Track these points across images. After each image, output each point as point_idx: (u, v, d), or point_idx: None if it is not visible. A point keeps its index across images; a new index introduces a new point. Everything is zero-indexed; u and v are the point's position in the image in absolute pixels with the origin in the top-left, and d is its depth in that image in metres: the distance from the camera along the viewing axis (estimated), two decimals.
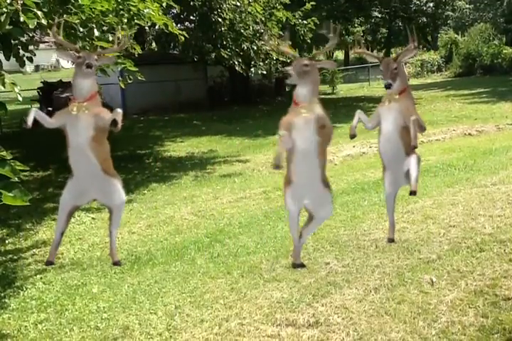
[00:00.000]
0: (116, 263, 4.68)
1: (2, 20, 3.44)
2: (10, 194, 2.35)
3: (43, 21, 3.81)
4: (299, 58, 3.76)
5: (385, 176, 4.04)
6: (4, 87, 3.43)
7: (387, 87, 3.83)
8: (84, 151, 3.91)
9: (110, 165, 4.24)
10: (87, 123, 3.91)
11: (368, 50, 4.73)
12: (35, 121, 3.40)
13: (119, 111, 3.66)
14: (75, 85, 4.00)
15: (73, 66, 3.94)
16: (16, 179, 2.45)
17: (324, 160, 3.90)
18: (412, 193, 3.64)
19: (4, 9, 3.43)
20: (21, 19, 3.62)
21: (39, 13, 3.73)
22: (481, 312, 3.50)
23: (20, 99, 3.73)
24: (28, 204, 2.44)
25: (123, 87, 6.09)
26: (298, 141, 3.69)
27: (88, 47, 4.67)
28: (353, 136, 3.83)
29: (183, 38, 6.39)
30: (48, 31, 4.08)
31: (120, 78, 6.34)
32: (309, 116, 3.62)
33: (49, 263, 4.63)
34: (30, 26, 3.68)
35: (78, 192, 4.20)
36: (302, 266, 3.77)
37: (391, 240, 3.97)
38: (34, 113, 3.47)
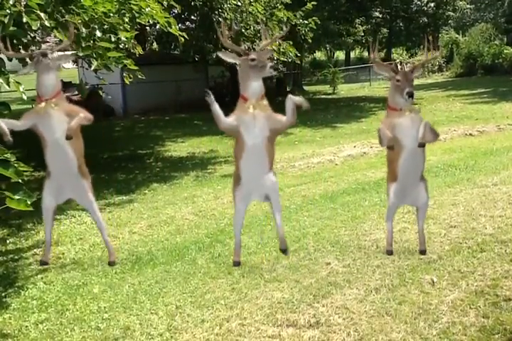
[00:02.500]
0: (110, 263, 4.73)
1: (6, 21, 3.45)
2: (15, 197, 2.35)
3: (46, 22, 3.82)
4: (259, 54, 3.80)
5: (392, 186, 4.09)
6: (9, 87, 3.44)
7: (411, 95, 3.83)
8: (63, 147, 3.87)
9: (84, 163, 4.22)
10: (60, 119, 3.87)
11: (369, 50, 4.75)
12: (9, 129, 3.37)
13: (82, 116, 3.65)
14: (39, 83, 3.92)
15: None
16: (20, 180, 2.46)
17: (272, 154, 4.01)
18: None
19: (7, 11, 3.44)
20: (24, 20, 3.63)
21: (42, 14, 3.74)
22: (482, 313, 3.50)
23: (25, 97, 3.73)
24: (31, 209, 2.44)
25: (127, 83, 6.08)
26: (247, 137, 3.80)
27: (90, 48, 4.67)
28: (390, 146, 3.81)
29: (182, 39, 6.39)
30: (55, 32, 4.09)
31: (125, 74, 6.34)
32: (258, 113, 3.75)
33: (43, 263, 4.63)
34: (34, 27, 3.69)
35: (56, 190, 4.19)
36: (239, 264, 3.98)
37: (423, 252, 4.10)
38: (1, 124, 3.43)
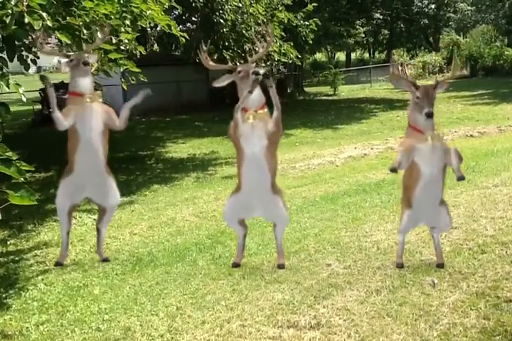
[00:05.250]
0: (105, 260, 4.82)
1: (7, 21, 3.46)
2: (17, 194, 2.36)
3: (49, 23, 3.84)
4: (244, 66, 3.86)
5: (406, 213, 4.15)
6: (9, 88, 3.45)
7: (429, 115, 3.79)
8: (94, 145, 3.97)
9: (106, 163, 4.34)
10: (99, 118, 4.03)
11: (369, 51, 4.77)
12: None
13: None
14: (76, 85, 4.08)
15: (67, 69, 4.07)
16: (22, 179, 2.46)
17: (275, 163, 4.14)
18: (460, 179, 3.76)
19: (9, 11, 3.45)
20: (26, 20, 3.64)
21: (44, 14, 3.76)
22: (483, 314, 3.50)
23: (24, 99, 3.76)
24: (35, 203, 2.45)
25: (125, 88, 6.11)
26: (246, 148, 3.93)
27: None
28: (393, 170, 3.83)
29: (183, 40, 6.41)
30: (57, 33, 4.15)
31: (122, 80, 6.37)
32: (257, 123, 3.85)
33: (58, 264, 4.67)
34: (36, 27, 3.71)
35: (74, 189, 4.25)
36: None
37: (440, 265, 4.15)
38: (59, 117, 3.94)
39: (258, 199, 4.18)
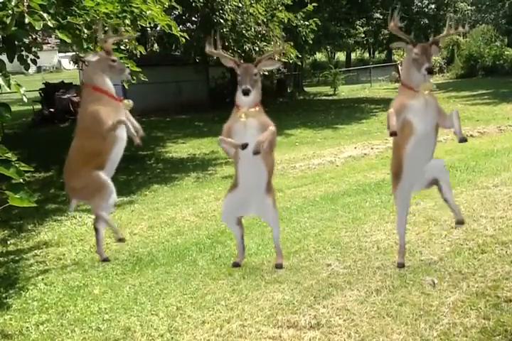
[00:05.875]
0: (105, 260, 4.84)
1: (8, 22, 3.46)
2: (16, 195, 2.35)
3: (50, 23, 3.83)
4: (244, 65, 3.83)
5: (401, 179, 4.04)
6: (10, 89, 3.45)
7: (430, 71, 3.71)
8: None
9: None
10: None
11: (369, 51, 4.74)
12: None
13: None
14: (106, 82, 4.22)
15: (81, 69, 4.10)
16: (21, 180, 2.46)
17: (271, 160, 4.11)
18: (462, 140, 3.70)
19: (10, 11, 3.45)
20: (26, 21, 3.63)
21: (45, 15, 3.75)
22: (483, 314, 3.49)
23: (25, 100, 3.76)
24: (34, 205, 2.45)
25: (126, 87, 6.11)
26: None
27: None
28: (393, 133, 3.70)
29: (183, 40, 6.41)
30: (58, 32, 4.15)
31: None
32: (249, 121, 3.83)
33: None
34: (37, 28, 3.70)
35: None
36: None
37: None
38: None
39: (253, 197, 4.16)
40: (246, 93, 3.71)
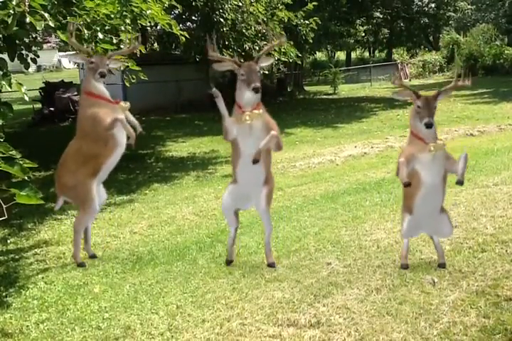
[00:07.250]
0: (92, 256, 4.91)
1: (9, 21, 3.47)
2: (23, 193, 2.35)
3: (51, 23, 3.84)
4: (247, 63, 3.84)
5: (406, 218, 4.14)
6: (11, 88, 3.46)
7: (429, 126, 3.77)
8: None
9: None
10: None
11: (369, 50, 4.77)
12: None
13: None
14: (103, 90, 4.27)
15: (82, 68, 4.13)
16: (26, 178, 2.46)
17: (269, 163, 4.17)
18: (460, 182, 3.75)
19: (11, 11, 3.45)
20: (27, 20, 3.64)
21: (46, 15, 3.76)
22: (483, 313, 3.50)
23: (26, 98, 3.78)
24: (42, 202, 2.45)
25: (128, 85, 6.12)
26: (243, 146, 3.94)
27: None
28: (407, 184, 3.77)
29: (184, 39, 6.41)
30: (58, 33, 4.16)
31: (125, 77, 6.37)
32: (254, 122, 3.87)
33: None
34: (38, 28, 3.71)
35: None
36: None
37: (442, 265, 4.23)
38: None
39: (252, 192, 4.24)
40: (257, 91, 3.73)
